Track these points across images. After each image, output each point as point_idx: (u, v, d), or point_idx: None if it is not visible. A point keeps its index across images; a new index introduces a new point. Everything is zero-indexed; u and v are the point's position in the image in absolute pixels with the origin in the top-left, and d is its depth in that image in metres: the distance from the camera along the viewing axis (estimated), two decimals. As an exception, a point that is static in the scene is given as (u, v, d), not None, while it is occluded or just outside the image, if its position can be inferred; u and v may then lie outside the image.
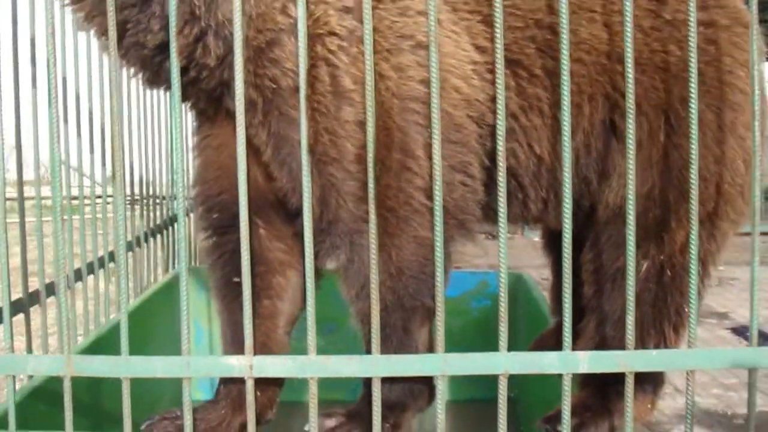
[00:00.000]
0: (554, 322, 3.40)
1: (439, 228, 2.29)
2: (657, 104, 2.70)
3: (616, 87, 2.71)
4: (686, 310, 2.75)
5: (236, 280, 2.67)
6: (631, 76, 2.26)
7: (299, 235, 2.59)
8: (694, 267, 2.37)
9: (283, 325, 2.86)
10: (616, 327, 2.58)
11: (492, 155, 2.69)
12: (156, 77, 2.61)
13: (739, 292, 9.76)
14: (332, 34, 2.55)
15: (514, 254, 10.71)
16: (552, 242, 3.38)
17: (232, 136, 2.38)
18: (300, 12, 2.22)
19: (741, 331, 8.13)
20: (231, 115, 2.49)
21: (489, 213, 2.86)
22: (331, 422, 2.59)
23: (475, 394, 4.28)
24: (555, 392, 2.43)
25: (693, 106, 2.29)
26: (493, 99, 2.60)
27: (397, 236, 2.57)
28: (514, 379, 4.00)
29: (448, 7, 2.68)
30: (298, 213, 2.51)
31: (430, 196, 2.41)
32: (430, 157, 2.33)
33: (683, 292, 2.70)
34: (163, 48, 2.42)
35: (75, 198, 3.88)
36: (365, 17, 2.24)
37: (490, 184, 2.72)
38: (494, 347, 2.33)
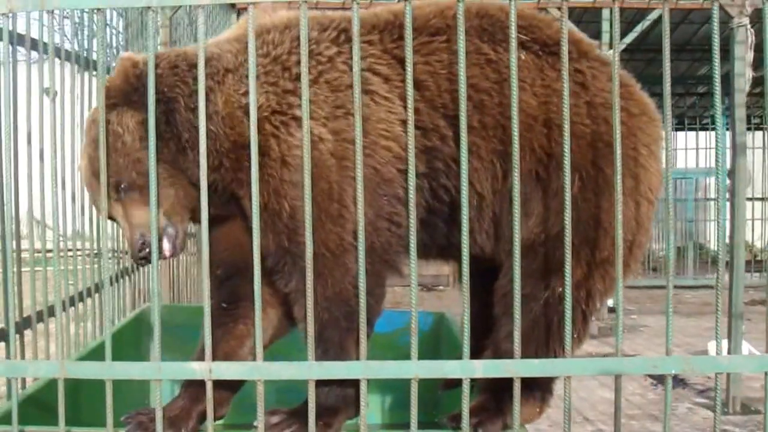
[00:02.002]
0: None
1: (362, 263, 2.76)
2: (573, 164, 2.99)
3: (541, 144, 3.13)
4: (576, 335, 3.18)
5: (224, 305, 3.22)
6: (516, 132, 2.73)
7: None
8: (568, 291, 2.82)
9: (250, 347, 3.26)
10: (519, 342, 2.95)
11: (434, 194, 3.15)
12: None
13: (649, 338, 10.24)
14: (275, 112, 3.03)
15: (447, 303, 11.20)
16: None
17: (238, 224, 3.21)
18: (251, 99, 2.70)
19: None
20: (237, 215, 3.18)
21: (451, 250, 3.27)
22: (274, 419, 2.99)
23: (407, 418, 4.57)
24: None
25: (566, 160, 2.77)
26: (425, 150, 3.07)
27: (332, 269, 3.01)
28: (440, 406, 4.39)
29: (380, 78, 3.11)
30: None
31: (357, 238, 2.85)
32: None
33: (574, 319, 3.05)
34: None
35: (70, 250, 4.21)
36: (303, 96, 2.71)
37: (448, 220, 3.20)
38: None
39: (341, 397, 3.04)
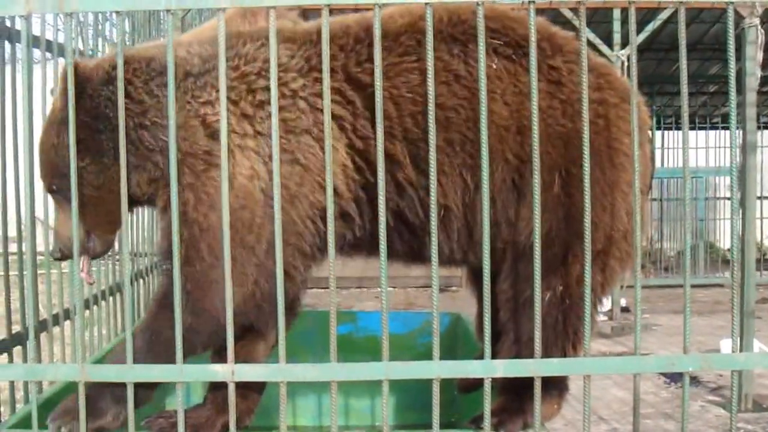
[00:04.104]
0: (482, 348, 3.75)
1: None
2: (550, 165, 3.10)
3: (515, 153, 3.12)
4: (582, 332, 3.19)
5: None
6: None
7: None
8: (587, 290, 2.81)
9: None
10: (526, 347, 2.94)
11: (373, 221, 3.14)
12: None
13: (661, 336, 10.22)
14: (233, 132, 3.00)
15: (460, 305, 11.19)
16: (475, 278, 3.76)
17: None
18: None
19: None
20: None
21: (420, 255, 3.33)
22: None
23: (419, 419, 4.60)
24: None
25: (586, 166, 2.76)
26: (365, 185, 3.10)
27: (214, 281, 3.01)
28: (454, 406, 4.39)
29: (333, 122, 3.02)
30: None
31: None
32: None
33: (579, 316, 3.09)
34: None
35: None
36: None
37: (413, 229, 3.23)
38: (438, 378, 2.80)
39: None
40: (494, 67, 3.11)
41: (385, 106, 3.00)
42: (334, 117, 3.03)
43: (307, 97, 3.05)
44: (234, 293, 2.86)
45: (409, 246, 3.28)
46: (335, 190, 3.02)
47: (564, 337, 3.15)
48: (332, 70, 3.03)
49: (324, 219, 3.01)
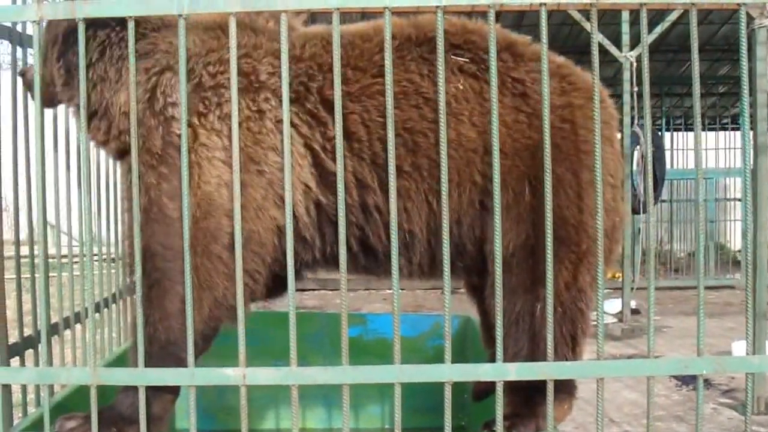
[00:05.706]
0: (489, 354, 3.74)
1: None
2: (519, 176, 3.10)
3: (484, 173, 3.10)
4: (579, 334, 3.19)
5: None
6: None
7: None
8: (600, 292, 2.81)
9: None
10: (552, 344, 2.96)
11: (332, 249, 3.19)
12: None
13: (671, 339, 10.15)
14: (202, 145, 3.03)
15: (466, 307, 11.14)
16: (472, 290, 3.81)
17: None
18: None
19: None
20: None
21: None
22: (71, 423, 2.98)
23: (425, 422, 4.62)
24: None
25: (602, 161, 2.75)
26: (328, 220, 3.15)
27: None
28: (465, 409, 4.39)
29: (299, 137, 3.07)
30: None
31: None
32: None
33: (574, 321, 3.14)
34: None
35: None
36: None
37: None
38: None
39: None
40: (461, 87, 3.11)
41: (354, 129, 3.05)
42: (301, 136, 3.06)
43: (272, 118, 3.06)
44: (204, 300, 2.96)
45: (366, 271, 3.37)
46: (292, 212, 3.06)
47: (562, 344, 3.15)
48: (308, 92, 3.07)
49: (280, 237, 3.08)
